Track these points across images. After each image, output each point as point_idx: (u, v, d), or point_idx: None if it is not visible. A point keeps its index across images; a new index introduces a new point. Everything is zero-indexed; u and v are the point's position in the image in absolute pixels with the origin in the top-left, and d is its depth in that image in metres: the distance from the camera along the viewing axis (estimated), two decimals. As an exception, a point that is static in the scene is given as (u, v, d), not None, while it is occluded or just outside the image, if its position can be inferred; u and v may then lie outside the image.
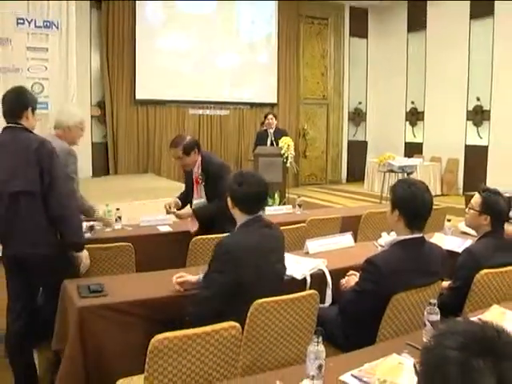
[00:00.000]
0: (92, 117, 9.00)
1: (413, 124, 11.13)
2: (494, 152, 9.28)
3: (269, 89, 10.68)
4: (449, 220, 3.71)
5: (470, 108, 9.73)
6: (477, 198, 2.56)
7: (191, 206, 3.65)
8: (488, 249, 2.45)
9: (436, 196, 9.27)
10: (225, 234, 2.41)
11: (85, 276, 2.65)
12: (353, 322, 2.18)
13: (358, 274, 2.33)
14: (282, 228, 3.42)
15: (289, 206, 4.77)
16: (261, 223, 2.24)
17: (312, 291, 2.15)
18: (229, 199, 2.26)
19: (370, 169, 10.62)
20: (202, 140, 9.55)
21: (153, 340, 1.68)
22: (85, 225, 3.06)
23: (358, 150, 11.90)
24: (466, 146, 9.90)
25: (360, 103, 11.95)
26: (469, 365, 0.79)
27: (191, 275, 2.36)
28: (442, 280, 2.32)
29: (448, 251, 2.66)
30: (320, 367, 1.57)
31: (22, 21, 7.22)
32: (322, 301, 2.49)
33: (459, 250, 2.83)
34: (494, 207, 2.49)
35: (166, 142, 9.51)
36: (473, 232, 2.94)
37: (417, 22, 10.76)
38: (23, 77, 7.26)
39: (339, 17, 11.49)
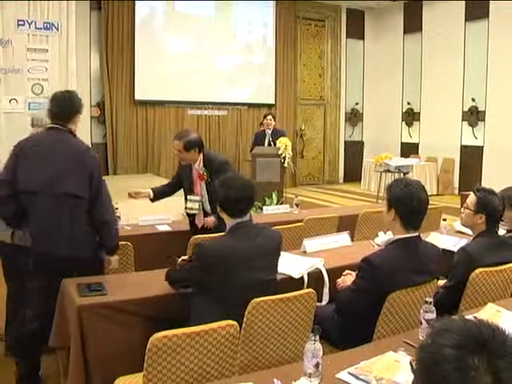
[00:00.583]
0: (91, 117, 9.00)
1: (409, 124, 11.17)
2: (489, 152, 9.33)
3: (266, 89, 10.70)
4: (444, 219, 3.73)
5: (466, 109, 9.78)
6: (472, 198, 2.58)
7: (185, 203, 3.60)
8: (483, 248, 2.47)
9: (432, 196, 9.30)
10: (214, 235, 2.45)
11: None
12: (349, 321, 2.20)
13: (354, 274, 2.34)
14: (279, 227, 3.45)
15: (286, 205, 4.80)
16: (248, 228, 2.23)
17: (309, 290, 2.17)
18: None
19: (366, 169, 10.65)
20: (200, 140, 9.54)
21: (152, 338, 1.70)
22: None
23: (354, 151, 11.93)
24: (462, 147, 9.95)
25: (357, 104, 11.98)
26: (464, 363, 0.79)
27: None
28: (438, 279, 2.33)
29: (444, 250, 2.67)
30: (317, 365, 1.59)
31: (22, 22, 7.23)
32: (319, 299, 2.51)
33: (455, 248, 2.85)
34: (488, 206, 2.50)
35: (165, 143, 9.54)
36: (468, 231, 2.97)
37: (413, 23, 10.80)
38: (23, 78, 7.28)
39: (336, 18, 11.51)
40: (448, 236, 3.41)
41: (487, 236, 2.52)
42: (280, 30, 10.75)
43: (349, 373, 1.63)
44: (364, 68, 11.93)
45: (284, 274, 2.59)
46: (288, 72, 10.97)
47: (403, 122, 11.29)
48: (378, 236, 3.27)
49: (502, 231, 2.78)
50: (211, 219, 3.43)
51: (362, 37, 11.87)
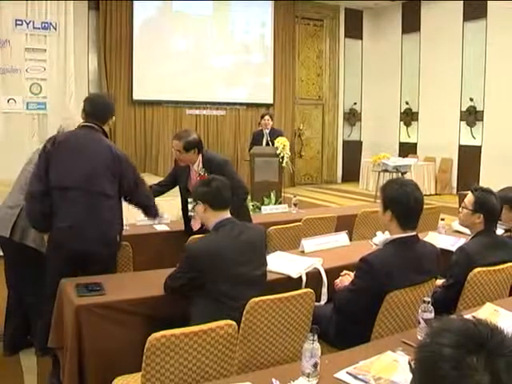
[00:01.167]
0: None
1: (407, 124, 11.18)
2: (487, 152, 9.35)
3: (265, 89, 10.69)
4: (442, 219, 3.74)
5: (464, 109, 9.80)
6: (470, 197, 2.58)
7: (186, 207, 3.57)
8: (481, 247, 2.48)
9: (430, 195, 9.33)
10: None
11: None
12: (348, 320, 2.20)
13: (351, 274, 2.35)
14: (277, 227, 3.47)
15: (284, 205, 4.79)
16: (232, 225, 2.26)
17: (307, 290, 2.17)
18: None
19: (364, 168, 10.66)
20: (199, 140, 9.55)
21: (150, 338, 1.70)
22: None
23: (352, 150, 11.93)
24: (460, 146, 9.96)
25: (355, 104, 11.98)
26: (463, 362, 0.79)
27: None
28: (436, 278, 2.33)
29: (442, 250, 2.67)
30: (315, 365, 1.59)
31: (20, 22, 7.22)
32: (318, 299, 2.51)
33: (453, 248, 2.85)
34: (486, 206, 2.51)
35: (163, 143, 9.54)
36: (466, 231, 2.97)
37: (411, 23, 10.82)
38: (22, 77, 7.28)
39: (334, 18, 11.52)
40: (446, 236, 3.42)
41: (485, 235, 2.53)
42: (278, 29, 10.76)
43: (347, 372, 1.63)
44: (362, 68, 11.94)
45: (282, 274, 2.59)
46: (286, 72, 10.97)
47: (401, 122, 11.30)
48: (376, 236, 3.27)
49: (500, 231, 2.78)
50: None
51: (360, 36, 11.88)
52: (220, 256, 2.13)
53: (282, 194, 6.49)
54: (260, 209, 4.76)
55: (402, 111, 11.22)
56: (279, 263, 2.70)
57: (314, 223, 3.80)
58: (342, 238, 3.30)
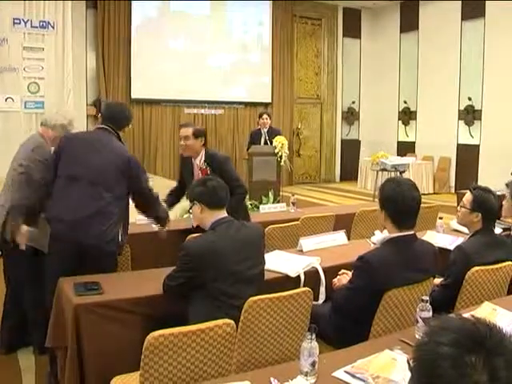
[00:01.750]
0: (88, 116, 8.97)
1: (405, 123, 11.19)
2: (485, 151, 9.37)
3: (263, 88, 10.70)
4: (441, 218, 3.75)
5: (462, 107, 9.81)
6: (468, 196, 2.58)
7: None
8: (479, 246, 2.48)
9: (428, 194, 9.34)
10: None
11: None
12: (346, 319, 2.20)
13: (349, 273, 2.35)
14: (275, 226, 3.47)
15: (283, 204, 4.79)
16: (229, 224, 2.25)
17: (306, 289, 2.17)
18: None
19: (363, 167, 10.68)
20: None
21: (148, 337, 1.70)
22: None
23: (351, 149, 11.94)
24: (458, 145, 9.98)
25: (353, 102, 11.99)
26: (461, 361, 0.79)
27: None
28: (434, 277, 2.34)
29: (440, 248, 2.67)
30: (313, 364, 1.59)
31: (18, 21, 7.22)
32: (316, 298, 2.51)
33: (451, 247, 2.85)
34: (484, 205, 2.51)
35: (162, 141, 9.53)
36: (464, 230, 2.98)
37: (409, 22, 10.83)
38: (19, 76, 7.27)
39: (333, 17, 11.53)
40: (444, 234, 3.42)
41: (483, 234, 2.53)
42: (276, 28, 10.76)
43: (345, 371, 1.63)
44: (360, 67, 11.95)
45: (280, 273, 2.59)
46: (284, 71, 10.97)
47: (400, 121, 11.31)
48: (374, 234, 3.27)
49: (498, 230, 2.78)
50: None
51: (358, 36, 11.88)
52: (217, 254, 2.12)
53: (280, 193, 6.49)
54: (258, 208, 4.76)
55: (401, 110, 11.24)
56: (277, 262, 2.70)
57: (312, 222, 3.80)
58: (340, 236, 3.30)
